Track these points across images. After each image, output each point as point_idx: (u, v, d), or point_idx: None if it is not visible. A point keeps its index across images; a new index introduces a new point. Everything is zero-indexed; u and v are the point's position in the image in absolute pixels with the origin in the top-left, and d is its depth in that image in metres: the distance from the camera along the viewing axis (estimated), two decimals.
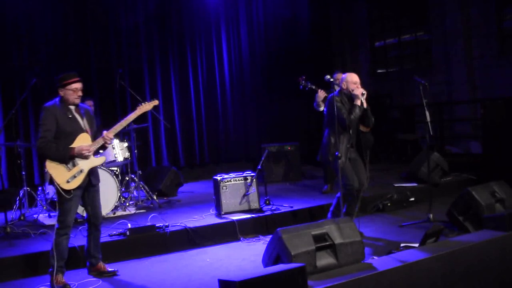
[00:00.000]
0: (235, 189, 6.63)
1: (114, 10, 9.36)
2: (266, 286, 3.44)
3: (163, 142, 9.86)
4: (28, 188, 7.11)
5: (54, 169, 4.62)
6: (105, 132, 4.83)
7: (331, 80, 5.67)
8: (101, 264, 5.03)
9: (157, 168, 9.01)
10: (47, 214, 6.86)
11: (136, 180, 7.43)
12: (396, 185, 7.83)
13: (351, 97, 5.61)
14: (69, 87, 4.69)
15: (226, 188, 6.60)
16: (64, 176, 4.62)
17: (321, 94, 7.31)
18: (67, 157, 4.63)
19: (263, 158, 7.06)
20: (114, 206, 6.76)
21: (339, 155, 5.49)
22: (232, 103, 10.73)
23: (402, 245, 5.28)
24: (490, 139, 8.47)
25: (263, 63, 11.04)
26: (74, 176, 4.64)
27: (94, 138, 4.84)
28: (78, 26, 8.93)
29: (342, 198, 5.62)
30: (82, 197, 4.83)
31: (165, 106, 9.85)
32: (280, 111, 10.93)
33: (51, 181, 4.73)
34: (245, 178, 6.71)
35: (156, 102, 5.22)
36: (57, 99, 4.80)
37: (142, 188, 7.46)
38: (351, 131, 5.62)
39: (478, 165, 8.54)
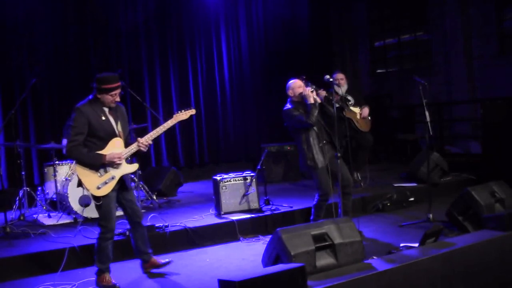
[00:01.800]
0: (235, 189, 6.63)
1: (114, 10, 9.35)
2: (265, 286, 3.44)
3: (162, 142, 9.86)
4: (27, 188, 7.10)
5: (84, 175, 4.47)
6: (139, 139, 4.67)
7: (331, 80, 5.68)
8: (153, 259, 4.99)
9: (156, 168, 9.00)
10: (46, 214, 6.86)
11: (136, 180, 7.42)
12: (395, 185, 7.82)
13: (303, 101, 5.61)
14: (109, 92, 4.48)
15: (226, 188, 6.60)
16: (94, 182, 4.46)
17: (321, 94, 7.31)
18: (98, 165, 4.46)
19: (262, 158, 7.05)
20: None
21: (339, 154, 5.50)
22: (231, 103, 10.73)
23: (402, 245, 5.29)
24: (489, 139, 8.47)
25: (263, 63, 11.03)
26: (105, 183, 4.48)
27: (126, 143, 4.68)
28: (78, 26, 8.92)
29: (318, 205, 5.70)
30: (118, 199, 4.68)
31: (164, 106, 9.85)
32: (280, 111, 10.85)
33: (80, 184, 4.57)
34: (245, 178, 6.70)
35: (193, 111, 5.04)
36: (90, 97, 4.58)
37: (142, 188, 7.46)
38: (316, 129, 5.62)
39: (477, 165, 8.54)
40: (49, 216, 6.77)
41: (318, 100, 5.62)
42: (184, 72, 10.15)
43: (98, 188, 4.47)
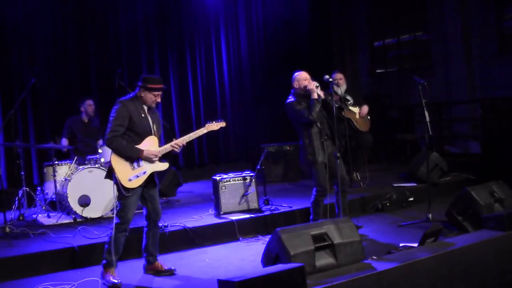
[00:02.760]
0: (234, 189, 6.63)
1: (114, 10, 9.35)
2: (265, 286, 3.43)
3: (162, 142, 9.82)
4: (27, 188, 7.08)
5: (119, 165, 4.63)
6: (175, 140, 4.90)
7: (330, 80, 5.68)
8: (158, 263, 5.02)
9: None
10: (46, 214, 6.85)
11: None
12: (395, 185, 7.82)
13: (307, 95, 5.62)
14: (152, 92, 4.75)
15: (225, 188, 6.60)
16: (127, 174, 4.63)
17: (320, 94, 7.32)
18: (135, 158, 4.66)
19: (262, 158, 7.06)
20: (113, 206, 6.74)
21: (338, 154, 5.50)
22: (231, 103, 10.73)
23: (401, 245, 5.29)
24: (489, 139, 8.48)
25: (262, 63, 11.03)
26: (137, 176, 4.67)
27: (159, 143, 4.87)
28: (77, 26, 8.93)
29: (315, 202, 5.71)
30: (141, 194, 4.82)
31: (164, 106, 9.84)
32: (279, 111, 10.86)
33: (110, 176, 4.70)
34: (244, 178, 6.71)
35: (223, 124, 5.24)
36: (132, 95, 4.80)
37: None
38: (319, 124, 5.63)
39: (477, 165, 8.54)
40: (49, 216, 6.77)
41: (322, 96, 5.62)
42: (184, 72, 10.15)
43: (130, 180, 4.64)
